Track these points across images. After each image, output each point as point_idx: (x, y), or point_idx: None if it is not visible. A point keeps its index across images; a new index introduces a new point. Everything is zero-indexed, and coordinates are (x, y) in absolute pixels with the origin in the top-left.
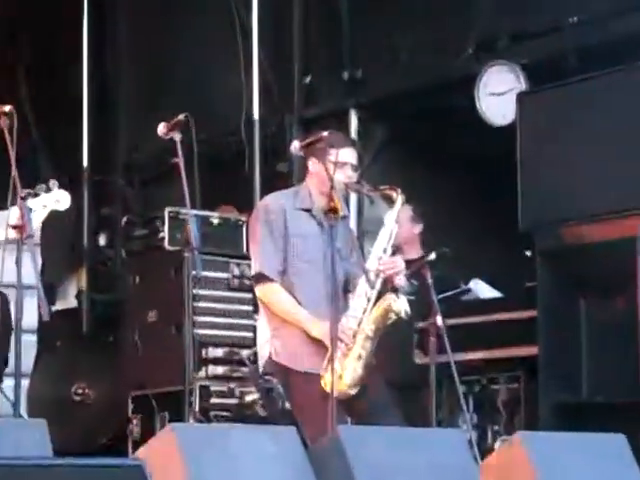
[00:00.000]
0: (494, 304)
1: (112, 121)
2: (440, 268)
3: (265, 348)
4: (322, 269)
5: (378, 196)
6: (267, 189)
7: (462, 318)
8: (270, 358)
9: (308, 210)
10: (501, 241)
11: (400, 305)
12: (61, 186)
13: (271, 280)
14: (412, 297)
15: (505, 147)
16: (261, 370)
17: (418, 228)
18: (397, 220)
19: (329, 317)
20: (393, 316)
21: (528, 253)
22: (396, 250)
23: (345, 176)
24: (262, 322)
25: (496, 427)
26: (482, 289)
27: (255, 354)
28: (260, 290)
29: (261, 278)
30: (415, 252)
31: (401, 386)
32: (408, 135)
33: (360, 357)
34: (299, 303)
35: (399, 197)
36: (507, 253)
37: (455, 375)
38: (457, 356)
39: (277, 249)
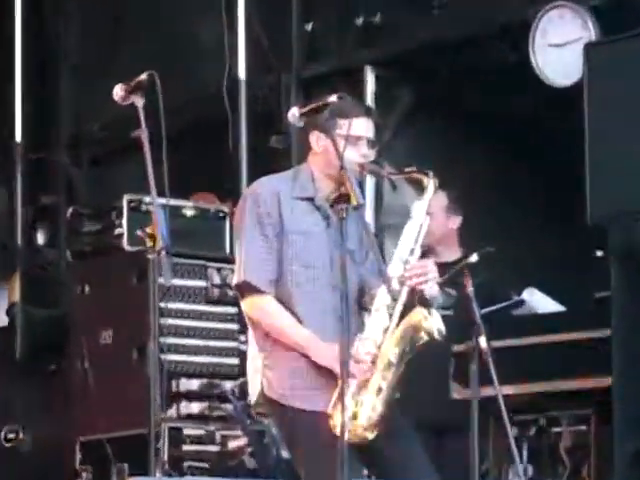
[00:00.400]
0: (555, 321)
1: (53, 83)
2: (484, 274)
3: (255, 379)
4: (329, 276)
5: (403, 180)
6: (257, 171)
7: (513, 339)
8: (262, 392)
9: (311, 199)
10: (564, 238)
11: (432, 323)
12: None
13: (261, 291)
14: (448, 312)
15: (568, 115)
16: (250, 408)
17: (456, 221)
18: (428, 211)
19: (338, 339)
20: (423, 337)
21: (599, 254)
22: (427, 251)
23: (359, 154)
24: (251, 345)
25: None
26: (539, 301)
27: (242, 387)
28: (247, 304)
29: (248, 289)
30: (452, 253)
31: (434, 428)
32: (441, 100)
33: (380, 390)
34: (298, 321)
35: (431, 181)
36: (572, 254)
37: (504, 414)
38: (507, 389)
39: (270, 250)
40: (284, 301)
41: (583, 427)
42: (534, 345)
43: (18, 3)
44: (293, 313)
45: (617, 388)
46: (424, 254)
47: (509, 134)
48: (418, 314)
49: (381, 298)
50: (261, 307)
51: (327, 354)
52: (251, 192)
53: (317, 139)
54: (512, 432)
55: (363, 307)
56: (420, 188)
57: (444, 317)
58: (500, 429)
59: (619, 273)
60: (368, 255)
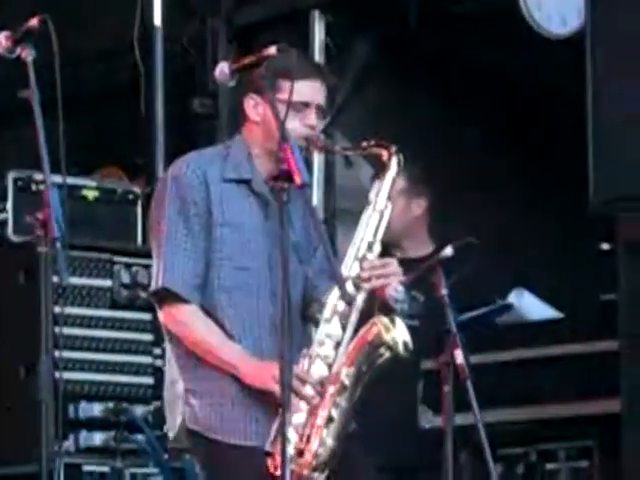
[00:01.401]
0: (549, 330)
1: None
2: (462, 271)
3: (174, 407)
4: (266, 280)
5: (359, 156)
6: (176, 143)
7: (497, 353)
8: (184, 423)
9: (246, 181)
10: (561, 227)
11: (396, 334)
12: None
13: (183, 300)
14: (413, 322)
15: (566, 74)
16: (169, 441)
17: (420, 206)
18: (391, 195)
19: (276, 356)
20: (384, 353)
21: (605, 247)
22: (389, 245)
23: (305, 124)
24: (170, 364)
25: None
26: (530, 305)
27: (157, 412)
28: (166, 315)
29: (167, 296)
30: (420, 247)
31: (399, 465)
32: (408, 53)
33: (331, 420)
34: (228, 335)
35: (394, 158)
36: (571, 247)
37: (486, 446)
38: (489, 415)
39: (195, 249)
40: (210, 311)
41: (584, 462)
42: (523, 360)
43: None
44: (221, 326)
45: (627, 413)
46: (385, 249)
47: (494, 95)
48: (378, 324)
49: (332, 305)
50: (182, 319)
51: (263, 375)
52: (173, 174)
53: (254, 105)
54: (496, 470)
55: (309, 317)
56: (381, 166)
57: (411, 327)
58: (480, 465)
59: (629, 270)
60: (316, 250)
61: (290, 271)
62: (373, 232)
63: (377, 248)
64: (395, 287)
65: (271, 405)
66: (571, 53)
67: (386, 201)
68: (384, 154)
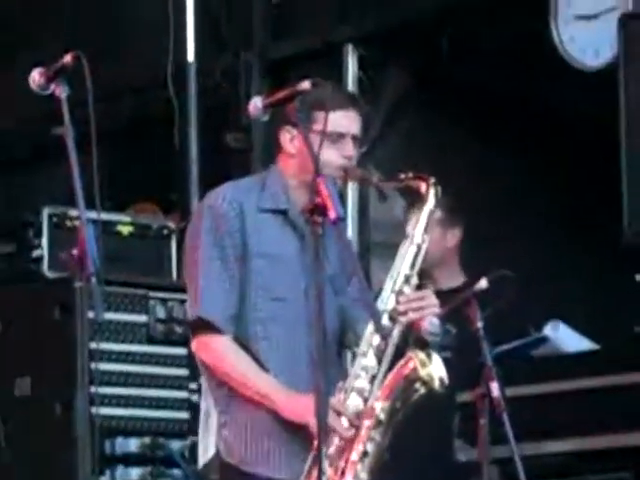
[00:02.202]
0: (586, 362)
1: None
2: (497, 304)
3: (210, 440)
4: (302, 312)
5: (396, 188)
6: (210, 177)
7: (533, 386)
8: (218, 456)
9: (282, 212)
10: (596, 259)
11: (432, 370)
12: None
13: (218, 330)
14: (447, 353)
15: (599, 104)
16: (205, 477)
17: (455, 237)
18: (428, 229)
19: (312, 389)
20: (420, 387)
21: (639, 277)
22: (421, 276)
23: (342, 155)
24: (205, 396)
25: None
26: (566, 337)
27: (193, 447)
28: (200, 345)
29: (202, 326)
30: (452, 278)
31: None
32: (442, 85)
33: (366, 455)
34: (262, 367)
35: (431, 190)
36: (605, 278)
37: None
38: (525, 448)
39: (231, 280)
40: (244, 343)
41: None
42: (559, 393)
43: None
44: (255, 359)
45: None
46: (419, 281)
47: (527, 127)
48: (414, 358)
49: (368, 338)
50: (216, 349)
51: (299, 407)
52: (208, 204)
53: (290, 138)
54: None
55: (345, 348)
56: (418, 199)
57: (446, 360)
58: None
59: None
60: (350, 282)
61: (326, 303)
62: (410, 265)
63: (414, 281)
64: (431, 320)
65: (305, 438)
66: (603, 84)
67: (423, 234)
68: (422, 186)
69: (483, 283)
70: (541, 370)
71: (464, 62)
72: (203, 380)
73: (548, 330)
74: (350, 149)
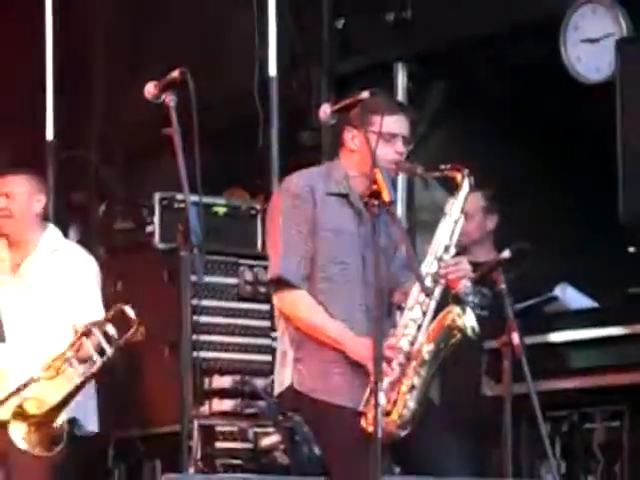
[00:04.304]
0: (588, 317)
1: (85, 82)
2: (517, 270)
3: (286, 374)
4: (360, 274)
5: (436, 177)
6: (287, 167)
7: (546, 335)
8: (292, 388)
9: (345, 195)
10: (597, 234)
11: (466, 321)
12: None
13: (294, 286)
14: (484, 312)
15: (600, 112)
16: (281, 404)
17: (493, 221)
18: (464, 210)
19: (366, 333)
20: (457, 334)
21: (632, 250)
22: (461, 251)
23: (394, 152)
24: (282, 341)
25: (591, 478)
26: (572, 297)
27: (274, 384)
28: (279, 299)
29: (281, 284)
30: (487, 253)
31: (467, 425)
32: (474, 97)
33: (413, 388)
34: (330, 316)
35: (465, 180)
36: (604, 250)
37: (537, 410)
38: (540, 385)
39: (303, 247)
40: (315, 298)
41: (617, 423)
42: (567, 342)
43: (49, 3)
44: (324, 309)
45: None
46: (458, 253)
47: (540, 130)
48: (452, 312)
49: (414, 296)
50: (294, 302)
51: (361, 347)
52: (286, 186)
53: (352, 137)
54: (545, 428)
55: (395, 304)
56: (454, 186)
57: (480, 317)
58: (533, 426)
59: None
60: (399, 251)
61: (380, 267)
62: (449, 237)
63: (452, 250)
64: (465, 283)
65: (365, 374)
66: (603, 96)
67: (460, 213)
68: (457, 176)
69: (506, 253)
70: (552, 323)
71: (491, 81)
72: (280, 326)
73: (558, 291)
74: (400, 147)
